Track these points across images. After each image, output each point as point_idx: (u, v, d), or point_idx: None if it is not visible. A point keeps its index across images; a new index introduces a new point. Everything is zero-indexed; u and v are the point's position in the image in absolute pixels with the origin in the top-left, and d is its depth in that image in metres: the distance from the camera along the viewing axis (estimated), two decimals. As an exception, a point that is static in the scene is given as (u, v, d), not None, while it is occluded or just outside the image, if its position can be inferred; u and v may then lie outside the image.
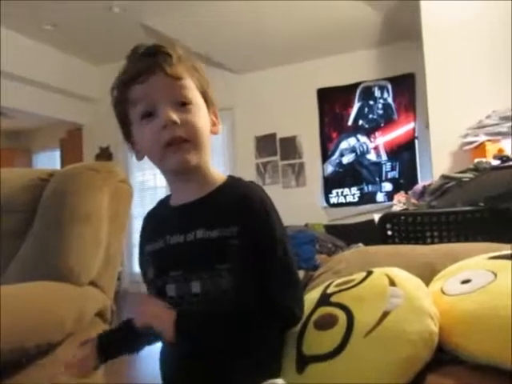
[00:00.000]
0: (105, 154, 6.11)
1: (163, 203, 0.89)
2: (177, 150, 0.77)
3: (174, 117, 0.76)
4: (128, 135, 0.85)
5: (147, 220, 0.91)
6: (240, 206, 0.77)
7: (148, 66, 0.77)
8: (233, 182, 0.83)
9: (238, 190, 0.80)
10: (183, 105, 0.78)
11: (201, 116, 0.80)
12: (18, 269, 1.10)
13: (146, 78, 0.77)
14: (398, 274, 0.86)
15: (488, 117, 2.69)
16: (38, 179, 1.20)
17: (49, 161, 6.95)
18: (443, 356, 0.74)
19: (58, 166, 6.43)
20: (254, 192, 0.79)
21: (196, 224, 0.78)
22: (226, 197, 0.79)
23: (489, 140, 2.61)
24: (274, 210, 0.80)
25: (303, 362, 0.77)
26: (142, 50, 0.80)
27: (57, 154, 6.77)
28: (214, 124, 0.85)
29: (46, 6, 4.38)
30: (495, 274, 0.79)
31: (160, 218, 0.87)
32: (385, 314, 0.76)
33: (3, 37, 4.75)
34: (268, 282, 0.75)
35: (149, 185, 5.86)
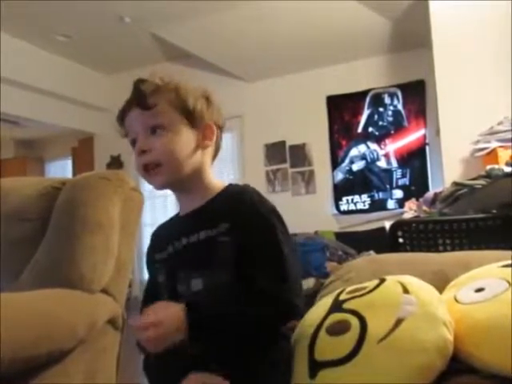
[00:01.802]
0: (116, 163, 6.16)
1: (172, 219, 1.00)
2: (148, 174, 0.88)
3: (144, 146, 0.86)
4: None
5: (154, 235, 1.00)
6: (230, 205, 0.86)
7: (128, 104, 0.89)
8: (230, 187, 0.93)
9: (232, 190, 0.91)
10: (153, 131, 0.87)
11: (175, 137, 0.87)
12: (30, 276, 1.11)
13: (128, 114, 0.89)
14: (412, 281, 0.85)
15: (500, 123, 2.66)
16: (50, 188, 1.21)
17: (61, 169, 7.03)
18: (457, 365, 0.73)
19: (69, 174, 6.50)
20: (245, 192, 0.88)
21: (199, 227, 0.86)
22: (223, 199, 0.89)
23: (501, 146, 2.58)
24: (267, 208, 0.86)
25: (315, 367, 0.77)
26: (132, 85, 0.91)
27: (69, 162, 6.85)
28: (204, 138, 0.90)
29: (58, 17, 4.46)
30: (509, 283, 0.78)
31: (168, 229, 0.97)
32: (398, 322, 0.75)
33: (16, 47, 4.84)
34: (259, 274, 0.79)
35: (159, 192, 5.87)
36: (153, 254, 0.96)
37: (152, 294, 0.94)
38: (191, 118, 0.88)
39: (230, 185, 0.94)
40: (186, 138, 0.88)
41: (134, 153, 0.89)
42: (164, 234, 0.97)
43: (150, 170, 0.87)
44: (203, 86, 0.93)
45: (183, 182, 0.89)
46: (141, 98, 0.87)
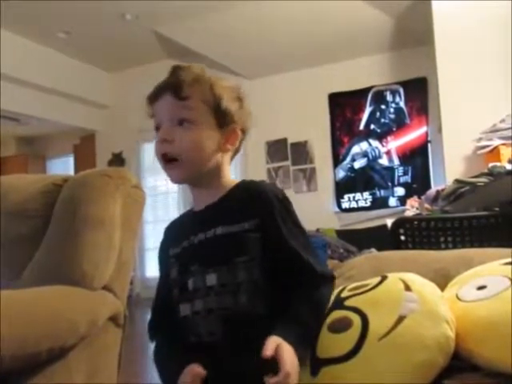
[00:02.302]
0: (117, 160, 6.16)
1: (185, 214, 0.99)
2: (169, 167, 0.86)
3: (167, 135, 0.84)
4: None
5: (169, 230, 0.98)
6: (257, 201, 0.85)
7: (163, 88, 0.86)
8: (245, 183, 0.92)
9: (252, 186, 0.89)
10: (180, 123, 0.84)
11: (199, 135, 0.85)
12: (32, 274, 1.11)
13: (159, 98, 0.86)
14: (413, 278, 0.85)
15: (502, 121, 2.66)
16: (52, 185, 1.21)
17: (62, 167, 7.03)
18: (459, 363, 0.73)
19: (71, 171, 6.51)
20: (270, 187, 0.89)
21: (216, 222, 0.85)
22: (241, 194, 0.87)
23: (503, 144, 2.58)
24: (288, 201, 0.88)
25: (317, 364, 0.77)
26: (170, 70, 0.88)
27: (70, 159, 6.86)
28: (226, 141, 0.88)
29: (59, 14, 4.46)
30: (511, 280, 0.78)
31: (183, 225, 0.96)
32: (400, 319, 0.75)
33: (17, 44, 4.84)
34: (303, 260, 0.82)
35: (161, 190, 5.90)
36: (167, 249, 0.94)
37: (165, 290, 0.92)
38: (220, 117, 0.86)
39: (243, 181, 0.92)
40: (210, 137, 0.86)
41: (156, 138, 0.87)
42: (179, 230, 0.95)
43: (168, 162, 0.85)
44: (239, 86, 0.91)
45: (200, 179, 0.88)
46: (177, 85, 0.84)
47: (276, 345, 0.69)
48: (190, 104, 0.84)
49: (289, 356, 0.69)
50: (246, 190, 0.89)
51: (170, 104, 0.85)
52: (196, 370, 0.75)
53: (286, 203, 0.87)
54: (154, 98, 0.87)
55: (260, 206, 0.84)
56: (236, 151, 0.93)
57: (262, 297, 0.81)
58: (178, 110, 0.84)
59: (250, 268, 0.81)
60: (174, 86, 0.84)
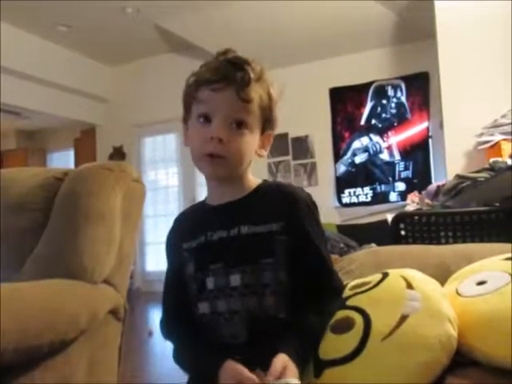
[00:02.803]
0: (118, 154, 6.16)
1: (197, 206, 0.96)
2: (211, 163, 0.81)
3: (222, 135, 0.80)
4: (186, 120, 0.89)
5: (179, 221, 0.95)
6: (285, 203, 0.84)
7: (224, 78, 0.80)
8: (270, 183, 0.91)
9: (280, 188, 0.88)
10: (237, 125, 0.81)
11: (249, 141, 0.83)
12: (33, 267, 1.11)
13: (217, 90, 0.80)
14: (415, 275, 0.84)
15: (503, 116, 2.65)
16: (53, 178, 1.21)
17: (63, 160, 7.04)
18: (459, 358, 0.73)
19: (72, 165, 6.51)
20: (298, 190, 0.87)
21: (239, 221, 0.83)
22: (268, 195, 0.86)
23: (504, 139, 2.57)
24: (315, 205, 0.87)
25: (320, 366, 0.76)
26: (229, 57, 0.84)
27: (71, 153, 6.86)
28: (261, 146, 0.88)
29: (59, 7, 4.43)
30: (511, 276, 0.78)
31: (198, 218, 0.92)
32: (403, 318, 0.74)
33: (17, 37, 4.83)
34: (326, 268, 0.84)
35: (161, 184, 5.89)
36: (177, 240, 0.91)
37: (176, 285, 0.89)
38: (267, 123, 0.86)
39: (266, 180, 0.92)
40: (256, 141, 0.85)
41: (201, 131, 0.82)
42: (192, 222, 0.91)
43: (210, 158, 0.81)
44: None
45: (231, 177, 0.86)
46: (244, 84, 0.80)
47: (282, 366, 0.69)
48: (251, 108, 0.81)
49: (290, 375, 0.69)
50: (273, 190, 0.88)
51: (230, 102, 0.80)
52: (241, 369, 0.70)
53: (312, 207, 0.86)
54: (208, 84, 0.81)
55: (288, 208, 0.83)
56: None
57: (287, 300, 0.80)
58: (238, 110, 0.81)
59: (275, 270, 0.80)
60: (240, 84, 0.79)
